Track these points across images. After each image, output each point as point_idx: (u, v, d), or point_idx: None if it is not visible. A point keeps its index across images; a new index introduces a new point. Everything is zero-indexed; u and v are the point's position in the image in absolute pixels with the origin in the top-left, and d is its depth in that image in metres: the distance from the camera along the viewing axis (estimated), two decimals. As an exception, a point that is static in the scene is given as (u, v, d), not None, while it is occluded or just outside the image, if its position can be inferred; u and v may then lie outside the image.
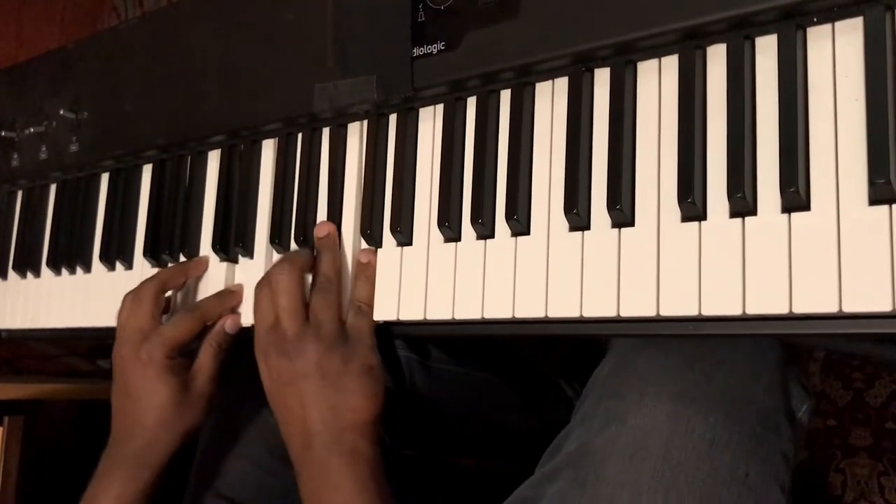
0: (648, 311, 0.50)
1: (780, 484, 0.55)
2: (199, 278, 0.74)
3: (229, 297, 0.71)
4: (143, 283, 0.71)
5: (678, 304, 0.49)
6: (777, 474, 0.55)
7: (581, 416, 0.59)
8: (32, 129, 0.89)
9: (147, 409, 0.67)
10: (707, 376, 0.55)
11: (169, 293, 0.74)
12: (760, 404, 0.55)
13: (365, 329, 0.62)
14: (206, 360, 0.69)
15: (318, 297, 0.62)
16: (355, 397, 0.60)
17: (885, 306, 0.42)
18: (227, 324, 0.69)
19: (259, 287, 0.64)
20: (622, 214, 0.52)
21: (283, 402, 0.62)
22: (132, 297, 0.70)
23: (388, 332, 0.64)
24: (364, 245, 0.65)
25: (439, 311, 0.59)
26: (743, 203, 0.47)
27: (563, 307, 0.53)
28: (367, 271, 0.63)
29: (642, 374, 0.56)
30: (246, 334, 0.69)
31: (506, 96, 0.60)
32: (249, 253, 0.72)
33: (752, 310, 0.46)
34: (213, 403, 0.70)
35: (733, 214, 0.48)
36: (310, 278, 0.64)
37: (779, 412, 0.56)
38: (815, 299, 0.44)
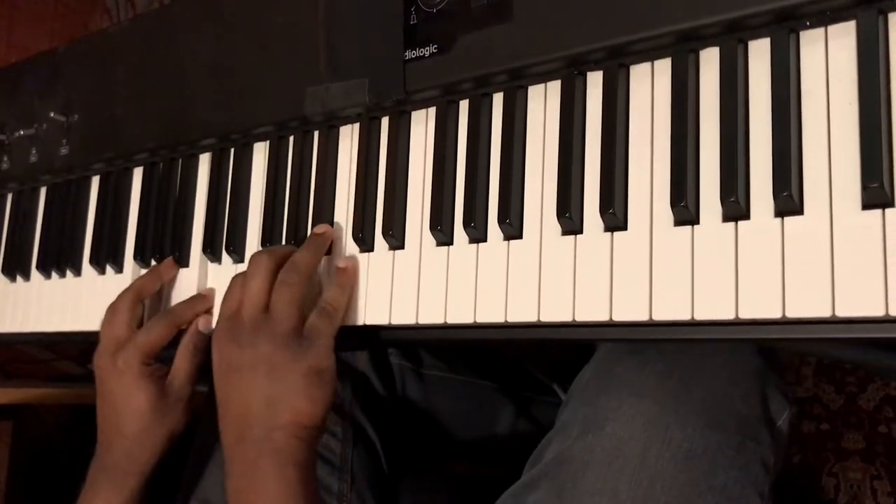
0: (641, 316, 0.49)
1: (760, 492, 0.55)
2: (173, 282, 0.74)
3: (201, 301, 0.71)
4: (119, 294, 0.71)
5: (671, 309, 0.49)
6: (756, 483, 0.55)
7: (561, 424, 0.58)
8: (22, 132, 0.88)
9: (126, 416, 0.67)
10: (685, 384, 0.54)
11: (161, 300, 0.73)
12: (739, 413, 0.55)
13: (324, 331, 0.60)
14: (181, 362, 0.69)
15: (280, 290, 0.60)
16: (297, 398, 0.58)
17: (877, 311, 0.42)
18: (201, 323, 0.69)
19: (235, 277, 0.63)
20: (615, 218, 0.52)
21: (225, 390, 0.60)
22: (109, 307, 0.71)
23: (380, 339, 0.63)
24: (357, 249, 0.65)
25: (431, 316, 0.59)
26: (736, 207, 0.47)
27: (556, 311, 0.53)
28: (341, 277, 0.62)
29: (621, 382, 0.55)
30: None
31: (498, 99, 0.59)
32: (240, 257, 0.72)
33: (746, 314, 0.46)
34: (192, 406, 0.69)
35: (726, 218, 0.48)
36: None
37: (758, 420, 0.56)
38: (809, 303, 0.44)
